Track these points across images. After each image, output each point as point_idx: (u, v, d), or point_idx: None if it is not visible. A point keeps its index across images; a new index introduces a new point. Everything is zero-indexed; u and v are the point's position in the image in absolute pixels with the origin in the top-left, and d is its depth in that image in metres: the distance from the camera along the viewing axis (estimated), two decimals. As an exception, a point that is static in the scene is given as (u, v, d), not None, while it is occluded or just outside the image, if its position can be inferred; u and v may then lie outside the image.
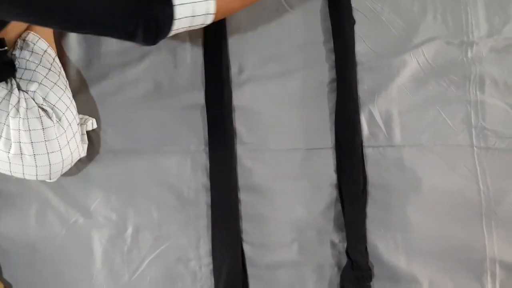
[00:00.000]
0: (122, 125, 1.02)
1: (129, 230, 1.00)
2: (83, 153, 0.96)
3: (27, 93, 0.88)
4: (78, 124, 0.93)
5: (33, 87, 0.89)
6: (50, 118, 0.86)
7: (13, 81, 0.90)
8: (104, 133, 1.01)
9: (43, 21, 0.68)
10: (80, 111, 0.98)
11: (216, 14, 0.74)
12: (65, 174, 0.96)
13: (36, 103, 0.87)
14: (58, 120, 0.87)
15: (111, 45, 1.03)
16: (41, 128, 0.85)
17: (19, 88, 0.89)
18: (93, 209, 1.00)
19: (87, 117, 0.99)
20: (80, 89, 1.00)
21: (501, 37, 1.06)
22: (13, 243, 0.99)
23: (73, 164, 0.92)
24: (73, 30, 0.76)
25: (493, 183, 1.02)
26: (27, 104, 0.86)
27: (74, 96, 0.96)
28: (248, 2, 0.83)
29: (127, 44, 1.00)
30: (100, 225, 1.00)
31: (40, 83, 0.89)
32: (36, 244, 0.99)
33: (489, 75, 1.05)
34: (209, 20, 0.75)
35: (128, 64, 1.03)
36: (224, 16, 0.80)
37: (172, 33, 0.72)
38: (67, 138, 0.88)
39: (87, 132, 0.99)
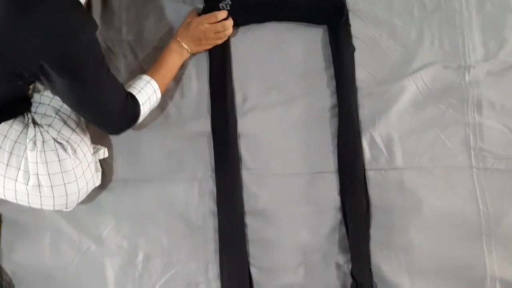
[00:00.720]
0: (131, 154, 1.05)
1: (140, 257, 1.03)
2: (97, 181, 0.99)
3: (42, 126, 0.92)
4: (92, 155, 0.97)
5: (47, 121, 0.92)
6: (65, 150, 0.89)
7: (29, 115, 0.93)
8: (115, 162, 1.05)
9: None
10: (91, 140, 1.02)
11: (160, 88, 0.99)
12: (78, 203, 0.99)
13: (51, 136, 0.90)
14: (73, 152, 0.90)
15: (120, 78, 1.06)
16: (58, 160, 0.88)
17: (34, 122, 0.93)
18: (105, 237, 1.03)
19: (98, 146, 1.03)
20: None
21: (497, 61, 1.09)
22: (28, 272, 1.02)
23: (88, 193, 0.96)
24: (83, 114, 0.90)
25: (492, 203, 1.05)
26: (43, 137, 0.89)
27: (86, 126, 1.00)
28: (172, 78, 1.05)
29: (136, 76, 1.04)
30: (112, 252, 1.03)
31: (55, 117, 0.93)
32: (50, 272, 1.02)
33: (486, 98, 1.08)
34: (159, 94, 0.99)
35: (136, 95, 1.06)
36: (164, 90, 1.02)
37: (141, 119, 0.94)
38: (83, 169, 0.92)
39: (99, 161, 1.02)
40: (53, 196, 0.90)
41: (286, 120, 1.08)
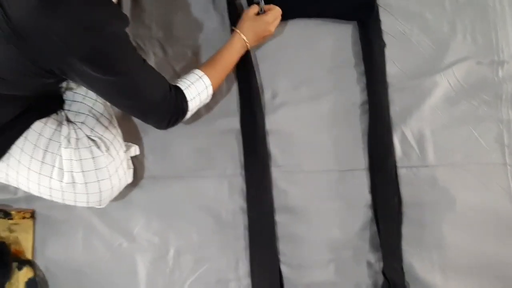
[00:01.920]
0: (162, 151, 1.05)
1: (171, 253, 1.03)
2: (130, 179, 1.00)
3: (76, 124, 0.92)
4: (124, 152, 0.97)
5: (81, 118, 0.93)
6: (99, 147, 0.90)
7: (63, 113, 0.94)
8: (146, 159, 1.05)
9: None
10: (123, 138, 1.02)
11: (213, 92, 0.96)
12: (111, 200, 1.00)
13: (84, 133, 0.91)
14: (106, 149, 0.91)
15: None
16: (91, 157, 0.89)
17: (68, 120, 0.94)
18: (136, 233, 1.04)
19: (130, 144, 1.03)
20: (124, 118, 1.04)
21: (532, 55, 1.07)
22: (61, 267, 1.03)
23: (121, 190, 0.97)
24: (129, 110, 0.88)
25: (527, 201, 1.03)
26: (77, 135, 0.90)
27: (118, 124, 1.00)
28: (228, 73, 1.00)
29: (165, 73, 1.04)
30: (143, 248, 1.04)
31: (88, 114, 0.94)
32: (82, 268, 1.03)
33: (520, 94, 1.06)
34: (210, 91, 0.95)
35: (166, 92, 1.07)
36: (217, 87, 0.98)
37: (189, 112, 0.92)
38: (116, 166, 0.93)
39: (130, 158, 1.03)
40: (87, 193, 0.90)
41: (315, 116, 1.08)
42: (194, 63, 1.09)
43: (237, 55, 1.00)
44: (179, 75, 1.08)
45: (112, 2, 0.76)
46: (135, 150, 1.03)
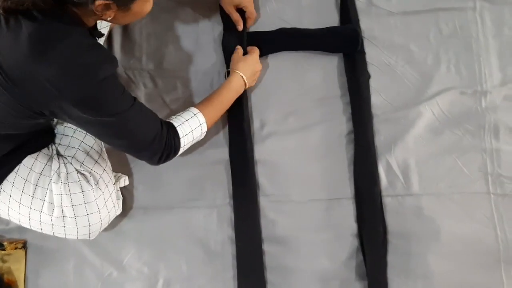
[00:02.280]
0: (152, 182, 1.07)
1: (160, 283, 1.05)
2: (119, 210, 1.02)
3: (66, 158, 0.94)
4: (113, 184, 0.99)
5: (71, 152, 0.95)
6: (88, 181, 0.92)
7: (53, 147, 0.97)
8: (136, 190, 1.07)
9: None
10: (113, 168, 1.04)
11: (207, 129, 0.98)
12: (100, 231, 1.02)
13: (74, 167, 0.93)
14: (95, 183, 0.93)
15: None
16: (81, 191, 0.91)
17: (58, 154, 0.96)
18: (126, 263, 1.05)
19: (120, 174, 1.05)
20: (113, 149, 1.06)
21: (514, 85, 1.09)
22: (53, 297, 1.05)
23: (110, 221, 0.99)
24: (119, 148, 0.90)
25: (511, 230, 1.05)
26: (67, 169, 0.92)
27: (108, 154, 1.03)
28: (224, 111, 1.03)
29: (155, 104, 1.07)
30: (133, 278, 1.05)
31: (78, 148, 0.96)
32: (74, 298, 1.05)
33: (503, 123, 1.08)
34: (204, 128, 0.96)
35: (156, 124, 1.09)
36: (212, 124, 1.00)
37: (182, 149, 0.93)
38: (105, 199, 0.95)
39: (120, 188, 1.05)
40: (77, 227, 0.92)
41: (303, 146, 1.10)
42: (184, 95, 1.12)
43: (235, 94, 1.03)
44: (169, 106, 1.11)
45: (101, 45, 0.79)
46: (124, 180, 1.05)
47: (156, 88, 1.12)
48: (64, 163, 0.93)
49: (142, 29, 1.15)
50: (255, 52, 1.06)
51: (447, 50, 1.12)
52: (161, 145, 0.87)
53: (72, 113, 0.76)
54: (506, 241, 1.04)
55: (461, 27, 1.12)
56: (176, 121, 0.92)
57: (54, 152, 0.96)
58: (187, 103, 1.10)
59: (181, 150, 0.93)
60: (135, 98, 0.83)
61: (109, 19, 0.76)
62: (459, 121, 1.09)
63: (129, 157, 1.09)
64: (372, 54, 1.11)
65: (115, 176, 1.04)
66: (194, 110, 0.95)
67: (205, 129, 0.97)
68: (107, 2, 0.70)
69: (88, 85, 0.73)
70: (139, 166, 1.08)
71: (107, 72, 0.75)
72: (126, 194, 1.07)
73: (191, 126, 0.93)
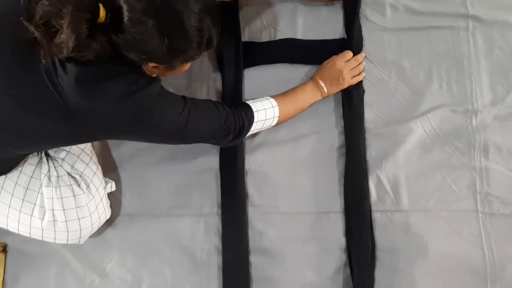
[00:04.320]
0: (139, 188, 1.06)
1: (143, 291, 1.03)
2: (108, 214, 1.00)
3: (56, 160, 0.92)
4: (104, 188, 0.97)
5: (61, 155, 0.93)
6: (79, 185, 0.90)
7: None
8: (123, 196, 1.06)
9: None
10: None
11: (279, 117, 0.99)
12: (88, 236, 1.01)
13: (65, 171, 0.91)
14: (86, 187, 0.91)
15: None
16: (72, 195, 0.89)
17: (47, 155, 0.94)
18: (109, 270, 1.03)
19: (107, 179, 1.04)
20: (102, 153, 1.05)
21: (505, 105, 1.10)
22: (32, 303, 1.02)
23: (100, 226, 0.96)
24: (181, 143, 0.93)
25: (498, 249, 1.05)
26: (57, 172, 0.90)
27: (98, 159, 1.01)
28: (299, 111, 1.04)
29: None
30: (115, 286, 1.03)
31: (69, 151, 0.94)
32: (53, 304, 1.02)
33: (493, 143, 1.09)
34: (274, 122, 0.99)
35: (146, 130, 1.08)
36: (283, 121, 1.02)
37: (247, 134, 0.95)
38: (96, 203, 0.93)
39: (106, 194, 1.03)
40: (67, 231, 0.90)
41: (294, 158, 1.09)
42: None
43: (310, 95, 1.04)
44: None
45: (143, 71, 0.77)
46: (111, 186, 1.03)
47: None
48: (55, 166, 0.91)
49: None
50: (339, 56, 1.07)
51: (439, 68, 1.13)
52: (227, 135, 0.90)
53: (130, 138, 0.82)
54: (493, 260, 1.04)
55: (453, 45, 1.13)
56: (254, 106, 0.95)
57: (43, 154, 0.94)
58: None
59: (249, 131, 0.95)
60: (185, 102, 0.83)
61: (153, 75, 0.78)
62: (449, 139, 1.09)
63: (117, 162, 1.07)
64: (366, 69, 1.12)
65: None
66: (273, 101, 0.98)
67: (274, 123, 0.99)
68: (157, 65, 0.73)
69: (141, 125, 0.77)
70: (128, 172, 1.07)
71: (156, 88, 0.77)
72: (113, 200, 1.05)
73: (266, 116, 0.96)
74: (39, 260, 1.03)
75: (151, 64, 0.72)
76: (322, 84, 1.03)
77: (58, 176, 0.90)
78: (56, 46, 0.62)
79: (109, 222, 1.03)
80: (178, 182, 1.06)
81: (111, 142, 1.07)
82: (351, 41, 1.10)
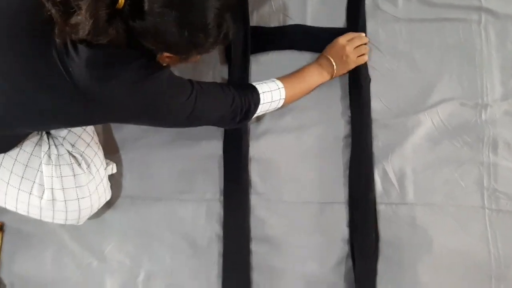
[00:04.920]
0: (140, 171, 1.04)
1: (141, 276, 1.01)
2: (109, 196, 0.98)
3: (57, 139, 0.90)
4: (105, 169, 0.95)
5: (62, 133, 0.91)
6: (79, 165, 0.88)
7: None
8: (123, 178, 1.04)
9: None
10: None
11: (286, 99, 0.97)
12: (87, 218, 0.99)
13: (66, 149, 0.89)
14: (87, 167, 0.89)
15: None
16: (72, 174, 0.88)
17: (48, 133, 0.92)
18: (107, 253, 1.02)
19: (108, 161, 1.02)
20: (104, 134, 1.03)
21: (515, 101, 1.08)
22: (27, 284, 1.01)
23: (100, 207, 0.95)
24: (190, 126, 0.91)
25: (504, 246, 1.03)
26: (58, 151, 0.88)
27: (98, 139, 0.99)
28: (305, 92, 1.03)
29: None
30: (113, 269, 1.01)
31: (70, 130, 0.92)
32: (50, 285, 1.01)
33: (502, 138, 1.07)
34: (280, 104, 0.97)
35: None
36: (289, 103, 1.01)
37: (254, 116, 0.94)
38: (96, 184, 0.91)
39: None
40: (66, 211, 0.89)
41: (299, 146, 1.07)
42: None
43: (317, 76, 1.03)
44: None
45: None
46: (112, 168, 1.01)
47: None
48: (55, 144, 0.90)
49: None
50: (349, 34, 1.05)
51: (450, 60, 1.11)
52: (234, 118, 0.90)
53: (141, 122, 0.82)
54: (499, 257, 1.02)
55: (465, 38, 1.11)
56: (261, 88, 0.93)
57: (44, 132, 0.92)
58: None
59: (255, 113, 0.94)
60: (192, 86, 0.82)
61: (164, 64, 0.76)
62: (458, 132, 1.07)
63: (119, 144, 1.05)
64: (375, 58, 1.10)
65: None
66: (279, 83, 0.96)
67: (280, 105, 0.98)
68: (172, 55, 0.71)
69: (152, 113, 0.78)
70: (129, 154, 1.05)
71: (166, 73, 0.77)
72: (113, 182, 1.03)
73: (272, 98, 0.94)
74: (36, 240, 1.02)
75: (166, 54, 0.71)
76: (334, 63, 1.02)
77: (58, 155, 0.88)
78: (72, 26, 0.60)
79: (108, 204, 1.01)
80: (181, 167, 1.04)
81: (114, 124, 1.06)
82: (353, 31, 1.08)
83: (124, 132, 1.05)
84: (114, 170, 1.02)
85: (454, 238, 1.03)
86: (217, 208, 1.04)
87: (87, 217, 0.93)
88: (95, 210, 0.94)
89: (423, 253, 1.03)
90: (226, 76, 1.08)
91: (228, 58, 1.09)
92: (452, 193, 1.05)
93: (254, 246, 1.03)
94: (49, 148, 0.88)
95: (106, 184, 0.95)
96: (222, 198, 1.04)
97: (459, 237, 1.03)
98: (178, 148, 1.04)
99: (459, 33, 1.12)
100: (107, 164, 1.01)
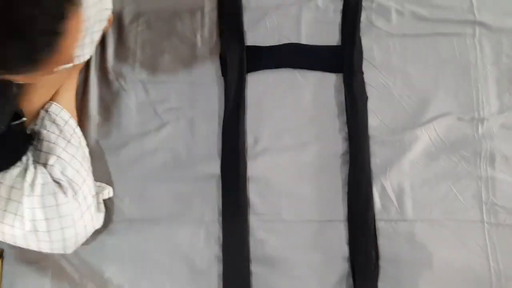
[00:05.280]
0: (138, 194, 1.03)
1: (141, 301, 1.00)
2: (98, 224, 0.97)
3: (44, 167, 0.89)
4: (93, 196, 0.94)
5: (51, 160, 0.90)
6: (65, 193, 0.87)
7: (29, 156, 0.90)
8: (121, 202, 1.03)
9: None
10: (97, 178, 1.00)
11: None
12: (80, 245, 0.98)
13: (52, 177, 0.88)
14: (74, 194, 0.88)
15: (131, 116, 1.06)
16: (55, 204, 0.86)
17: (35, 161, 0.90)
18: (107, 279, 1.01)
19: (104, 185, 1.01)
20: (99, 158, 1.03)
21: (512, 114, 1.08)
22: (26, 312, 1.00)
23: (88, 236, 0.94)
24: None
25: (504, 260, 1.03)
26: (42, 179, 0.87)
27: (92, 163, 0.99)
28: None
29: (146, 115, 1.04)
30: (113, 294, 1.00)
31: (59, 156, 0.91)
32: (49, 313, 1.00)
33: (499, 152, 1.07)
34: None
35: (146, 135, 1.06)
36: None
37: None
38: (81, 212, 0.90)
39: (104, 200, 1.00)
40: (50, 241, 0.87)
41: (297, 164, 1.07)
42: (177, 105, 1.08)
43: None
44: (161, 117, 1.07)
45: None
46: (108, 192, 1.00)
47: (148, 98, 1.09)
48: (42, 173, 0.88)
49: (138, 36, 1.12)
50: None
51: (445, 75, 1.11)
52: None
53: None
54: (499, 271, 1.02)
55: (460, 53, 1.12)
56: None
57: (30, 161, 0.90)
58: (179, 115, 1.07)
59: None
60: None
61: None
62: (455, 147, 1.08)
63: (117, 167, 1.05)
64: (370, 75, 1.10)
65: (99, 187, 1.00)
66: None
67: None
68: None
69: None
70: (126, 177, 1.04)
71: None
72: (110, 206, 1.03)
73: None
74: (35, 267, 1.01)
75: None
76: None
77: (43, 184, 0.86)
78: None
79: (106, 228, 1.01)
80: (178, 188, 1.04)
81: (109, 147, 1.05)
82: (350, 48, 1.08)
83: (120, 156, 1.05)
84: (111, 194, 1.02)
85: (453, 253, 1.03)
86: (216, 230, 1.03)
87: (73, 246, 0.91)
88: (82, 239, 0.92)
89: (423, 269, 1.02)
90: (223, 96, 1.08)
91: (224, 77, 1.08)
92: (451, 208, 1.05)
93: (254, 267, 1.02)
94: (33, 178, 0.86)
95: (94, 211, 0.93)
96: (220, 219, 1.03)
97: (458, 252, 1.03)
98: (175, 170, 1.04)
99: (454, 47, 1.12)
100: (103, 189, 1.00)
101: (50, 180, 0.87)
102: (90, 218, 0.92)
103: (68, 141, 0.93)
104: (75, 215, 0.88)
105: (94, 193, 0.95)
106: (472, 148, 1.07)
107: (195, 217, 1.04)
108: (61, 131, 0.94)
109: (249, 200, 1.05)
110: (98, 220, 0.97)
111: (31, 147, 0.92)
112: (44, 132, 0.94)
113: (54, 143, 0.92)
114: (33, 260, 1.01)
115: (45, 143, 0.92)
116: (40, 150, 0.92)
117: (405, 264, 1.03)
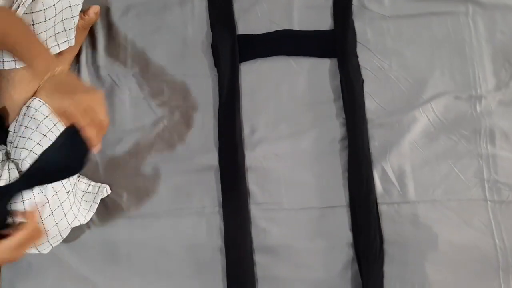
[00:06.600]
0: (136, 189, 1.02)
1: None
2: (77, 222, 0.93)
3: (15, 162, 0.87)
4: (68, 192, 0.90)
5: (23, 155, 0.87)
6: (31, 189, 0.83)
7: (3, 151, 0.89)
8: (120, 198, 1.02)
9: None
10: (94, 177, 0.99)
11: None
12: (83, 241, 0.97)
13: (21, 172, 0.85)
14: (42, 190, 0.85)
15: (125, 111, 1.04)
16: (21, 200, 0.83)
17: (8, 157, 0.88)
18: (110, 275, 0.99)
19: (99, 184, 1.00)
20: (94, 155, 1.01)
21: (509, 90, 1.07)
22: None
23: (63, 234, 0.90)
24: None
25: (509, 237, 1.02)
26: (9, 176, 0.85)
27: (91, 163, 0.97)
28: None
29: (141, 109, 1.03)
30: (117, 292, 0.99)
31: (31, 150, 0.87)
32: (52, 314, 0.98)
33: (499, 128, 1.06)
34: None
35: (141, 129, 1.05)
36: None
37: None
38: (50, 208, 0.86)
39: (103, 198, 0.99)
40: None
41: (295, 152, 1.06)
42: (170, 99, 1.07)
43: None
44: (155, 111, 1.06)
45: None
46: (106, 190, 0.99)
47: (142, 93, 1.07)
48: (9, 169, 0.85)
49: (127, 31, 1.11)
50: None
51: (440, 54, 1.10)
52: None
53: None
54: (504, 249, 1.01)
55: (454, 31, 1.10)
56: None
57: (3, 155, 0.88)
58: (173, 108, 1.06)
59: None
60: None
61: None
62: (454, 126, 1.07)
63: (114, 163, 1.03)
64: (365, 58, 1.09)
65: (94, 187, 0.98)
66: None
67: None
68: None
69: None
70: (123, 173, 1.02)
71: None
72: (110, 203, 1.02)
73: None
74: (35, 269, 0.99)
75: None
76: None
77: (7, 180, 0.83)
78: None
79: (107, 225, 1.00)
80: (177, 181, 1.03)
81: (105, 143, 1.04)
82: (343, 32, 1.07)
83: (116, 152, 1.04)
84: (109, 191, 1.01)
85: (458, 233, 1.02)
86: (217, 221, 1.02)
87: (48, 243, 0.89)
88: (55, 236, 0.89)
89: (429, 250, 1.01)
90: (216, 87, 1.07)
91: (217, 68, 1.07)
92: (453, 188, 1.04)
93: (257, 257, 1.01)
94: (8, 176, 0.84)
95: (67, 207, 0.89)
96: (221, 211, 1.02)
97: (463, 231, 1.02)
98: (173, 163, 1.03)
99: (448, 26, 1.11)
100: (101, 188, 0.98)
101: (17, 175, 0.84)
102: (62, 215, 0.88)
103: (44, 135, 0.90)
104: (42, 212, 0.84)
105: (69, 188, 0.90)
106: (471, 126, 1.06)
107: (196, 209, 1.03)
108: (37, 126, 0.91)
109: (249, 190, 1.04)
110: (78, 219, 0.93)
111: (9, 144, 0.90)
112: (22, 128, 0.91)
113: (29, 138, 0.89)
114: (34, 261, 0.99)
115: (21, 139, 0.89)
116: (16, 147, 0.90)
117: (410, 247, 1.01)
